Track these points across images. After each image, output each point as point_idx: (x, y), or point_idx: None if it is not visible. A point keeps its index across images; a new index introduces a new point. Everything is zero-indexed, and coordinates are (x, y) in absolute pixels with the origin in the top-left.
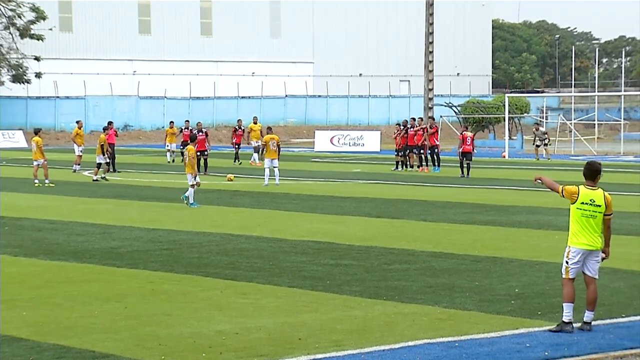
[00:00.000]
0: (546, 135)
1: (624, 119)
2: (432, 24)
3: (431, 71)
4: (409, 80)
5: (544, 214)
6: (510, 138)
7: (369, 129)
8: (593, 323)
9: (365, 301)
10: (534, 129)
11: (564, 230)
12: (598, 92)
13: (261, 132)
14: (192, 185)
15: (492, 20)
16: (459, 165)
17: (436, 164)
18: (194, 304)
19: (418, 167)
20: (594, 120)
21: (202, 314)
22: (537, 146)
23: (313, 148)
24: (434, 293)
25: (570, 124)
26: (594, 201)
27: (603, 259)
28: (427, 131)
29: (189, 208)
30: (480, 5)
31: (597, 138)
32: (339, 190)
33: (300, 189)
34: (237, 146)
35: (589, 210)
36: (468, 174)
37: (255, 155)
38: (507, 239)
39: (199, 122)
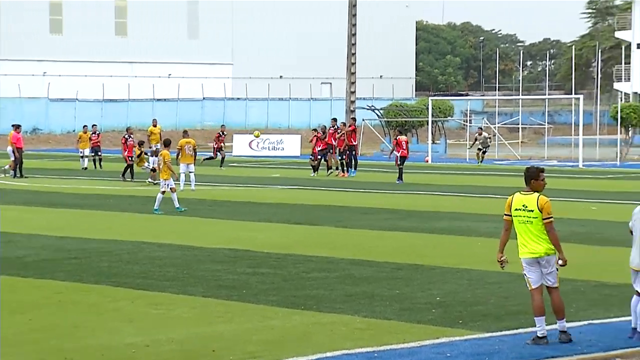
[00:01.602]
0: (489, 142)
1: (548, 123)
2: (354, 25)
3: (353, 73)
4: (330, 83)
5: (467, 220)
6: (433, 142)
7: (289, 132)
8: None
9: (283, 311)
10: (477, 134)
11: (487, 236)
12: (522, 95)
13: (161, 135)
14: (163, 192)
15: (416, 22)
16: (397, 171)
17: (353, 167)
18: (103, 316)
19: (336, 169)
20: (518, 124)
21: (111, 325)
22: (482, 151)
23: (231, 152)
24: (354, 302)
25: (494, 127)
26: (527, 206)
27: (562, 265)
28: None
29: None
30: (404, 6)
31: (521, 142)
32: (257, 196)
33: (216, 194)
34: (219, 151)
35: (523, 216)
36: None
37: (153, 159)
38: (429, 246)
39: (129, 128)
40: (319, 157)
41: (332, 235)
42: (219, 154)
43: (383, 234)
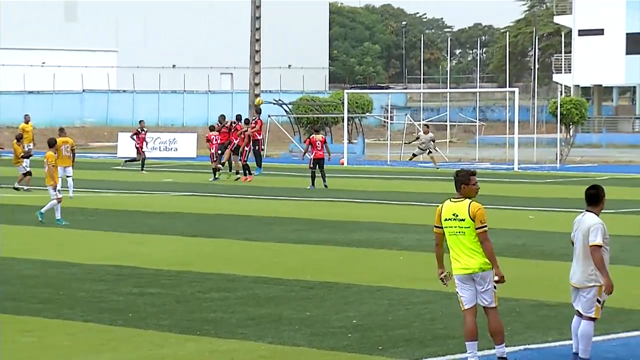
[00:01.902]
0: (432, 143)
1: (479, 120)
2: (259, 7)
3: (258, 62)
4: (231, 73)
5: (388, 230)
6: (349, 142)
7: (184, 130)
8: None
9: (176, 337)
10: (421, 132)
11: (410, 250)
12: (450, 88)
13: (33, 133)
14: (59, 199)
15: (330, 4)
16: (310, 175)
17: (257, 164)
18: None
19: (237, 173)
20: (446, 121)
21: None
22: (430, 153)
23: (116, 154)
24: (258, 326)
25: (419, 125)
26: (457, 215)
27: (498, 282)
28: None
29: None
30: None
31: (450, 142)
32: (147, 204)
33: (99, 202)
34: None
35: (454, 227)
36: (325, 183)
37: (27, 161)
38: (344, 261)
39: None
40: (219, 152)
41: (234, 249)
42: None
43: (292, 247)
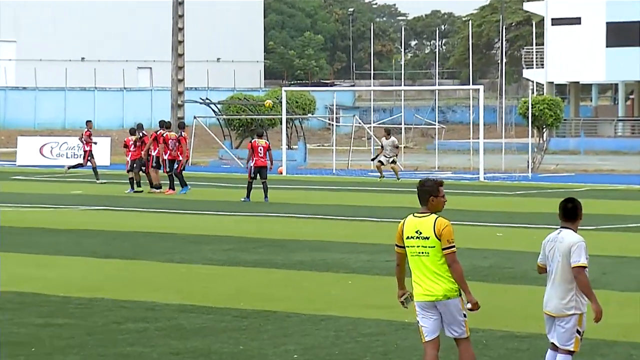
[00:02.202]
0: (396, 150)
1: (439, 122)
2: None
3: (181, 55)
4: (150, 68)
5: (334, 250)
6: (289, 147)
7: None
8: None
9: None
10: (383, 137)
11: (360, 272)
12: (405, 85)
13: None
14: None
15: None
16: (246, 186)
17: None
18: None
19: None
20: (400, 124)
21: None
22: (392, 162)
23: (15, 162)
24: None
25: (369, 128)
26: (421, 232)
27: (471, 309)
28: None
29: None
30: None
31: (405, 147)
32: (52, 221)
33: None
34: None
35: (417, 246)
36: (266, 197)
37: None
38: (283, 286)
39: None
40: (134, 167)
41: (154, 273)
42: (90, 161)
43: (222, 270)
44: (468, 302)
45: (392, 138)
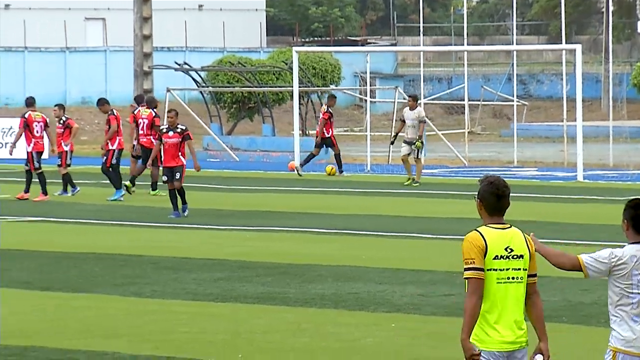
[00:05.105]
0: (421, 128)
1: (518, 97)
2: None
3: (147, 1)
4: (104, 19)
5: (369, 280)
6: (304, 133)
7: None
8: None
9: None
10: (406, 108)
11: (406, 311)
12: (469, 44)
13: None
14: None
15: None
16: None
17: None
18: None
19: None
20: (463, 99)
21: None
22: (413, 146)
23: None
24: None
25: (419, 105)
26: (512, 250)
27: None
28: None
29: None
30: None
31: (469, 133)
32: None
33: None
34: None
35: (508, 269)
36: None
37: None
38: (297, 330)
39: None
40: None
41: (115, 311)
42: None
43: (212, 308)
44: (539, 353)
45: (419, 109)
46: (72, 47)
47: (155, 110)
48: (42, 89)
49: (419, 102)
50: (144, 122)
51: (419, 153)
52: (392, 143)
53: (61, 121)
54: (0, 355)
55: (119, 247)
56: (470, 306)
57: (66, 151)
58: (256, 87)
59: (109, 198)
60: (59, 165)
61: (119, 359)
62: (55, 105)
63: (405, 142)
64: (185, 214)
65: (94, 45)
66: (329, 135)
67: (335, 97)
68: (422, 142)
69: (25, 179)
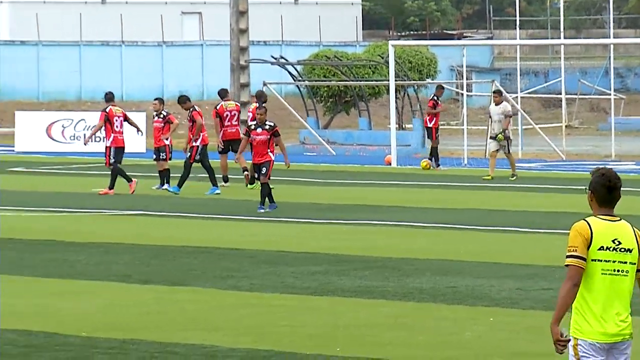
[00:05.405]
0: (508, 122)
1: (615, 91)
2: None
3: None
4: (200, 13)
5: (467, 274)
6: (400, 127)
7: (124, 107)
8: None
9: None
10: (492, 103)
11: (505, 306)
12: (566, 38)
13: None
14: None
15: None
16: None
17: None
18: None
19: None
20: (560, 94)
21: None
22: (500, 139)
23: (13, 147)
24: None
25: (514, 99)
26: (620, 243)
27: None
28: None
29: None
30: None
31: (566, 127)
32: (67, 231)
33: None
34: None
35: (614, 261)
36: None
37: None
38: (395, 325)
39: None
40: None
41: (213, 305)
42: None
43: (310, 301)
44: None
45: (504, 103)
46: (169, 41)
47: (264, 104)
48: (139, 83)
49: (515, 95)
50: (230, 114)
51: (509, 147)
52: (492, 137)
53: (161, 115)
54: (100, 348)
55: (216, 240)
56: (564, 292)
57: (168, 145)
58: (352, 80)
59: (206, 193)
60: (163, 160)
61: (218, 352)
62: (155, 99)
63: (491, 137)
64: (262, 211)
65: (191, 39)
66: (431, 125)
67: (443, 88)
68: (504, 136)
69: (120, 175)
